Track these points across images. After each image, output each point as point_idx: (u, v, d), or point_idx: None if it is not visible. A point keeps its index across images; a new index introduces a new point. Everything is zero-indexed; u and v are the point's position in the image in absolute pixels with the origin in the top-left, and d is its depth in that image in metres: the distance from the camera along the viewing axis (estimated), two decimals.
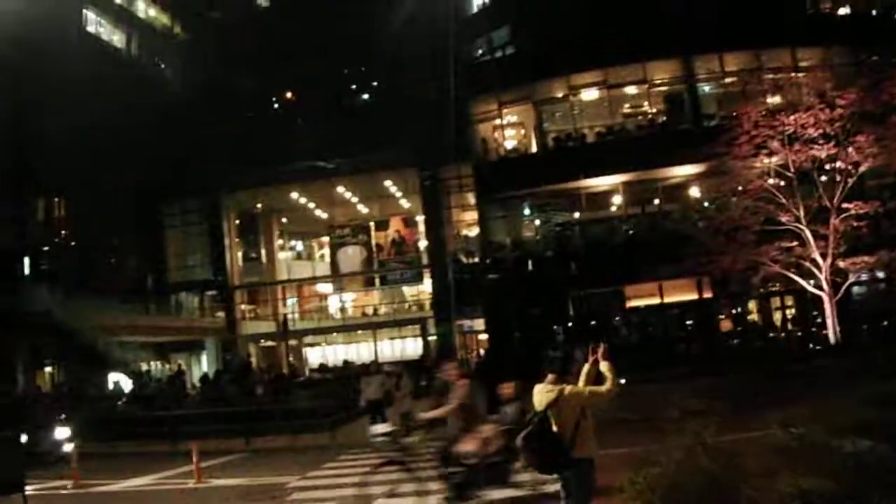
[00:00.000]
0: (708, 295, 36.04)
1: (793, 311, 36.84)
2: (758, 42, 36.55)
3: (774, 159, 26.52)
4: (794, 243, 26.24)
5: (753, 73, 36.66)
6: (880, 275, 29.14)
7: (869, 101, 24.71)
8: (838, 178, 25.97)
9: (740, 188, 28.17)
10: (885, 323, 32.55)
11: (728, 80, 38.06)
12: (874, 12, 40.03)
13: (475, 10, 43.73)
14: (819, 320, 35.02)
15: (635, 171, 37.99)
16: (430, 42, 45.15)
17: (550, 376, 8.31)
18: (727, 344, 35.86)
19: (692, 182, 38.08)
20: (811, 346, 31.63)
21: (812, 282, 27.68)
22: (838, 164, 25.88)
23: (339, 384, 33.38)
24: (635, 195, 38.94)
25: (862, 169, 25.57)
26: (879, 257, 26.14)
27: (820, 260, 25.93)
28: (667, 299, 36.90)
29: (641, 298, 37.48)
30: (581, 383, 8.39)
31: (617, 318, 38.35)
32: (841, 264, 26.27)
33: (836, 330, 26.09)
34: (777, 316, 37.56)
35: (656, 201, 39.04)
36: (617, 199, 39.33)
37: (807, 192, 26.53)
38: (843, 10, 40.05)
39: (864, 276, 28.04)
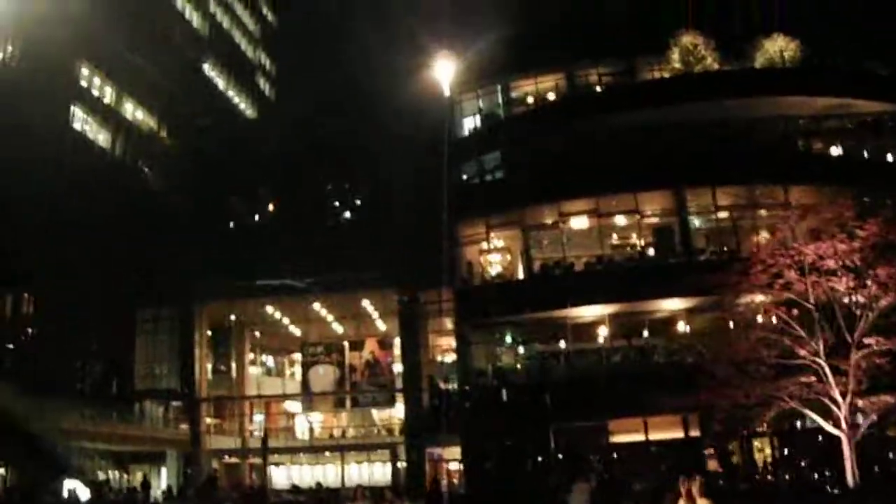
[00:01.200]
0: (695, 433, 34.97)
1: (774, 451, 35.94)
2: (750, 178, 36.54)
3: (786, 292, 25.84)
4: (813, 379, 25.31)
5: (746, 208, 36.65)
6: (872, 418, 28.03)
7: (892, 234, 24.26)
8: (858, 311, 25.27)
9: (753, 319, 27.39)
10: (877, 468, 31.56)
11: (720, 214, 37.82)
12: (865, 154, 40.38)
13: (466, 132, 43.68)
14: (803, 462, 34.21)
15: (623, 303, 37.34)
16: (418, 163, 44.93)
17: None
18: (715, 485, 34.53)
19: (681, 316, 37.41)
20: (829, 488, 30.34)
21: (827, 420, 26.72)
22: (858, 297, 25.20)
23: None
24: (622, 327, 38.13)
25: (883, 303, 24.93)
26: None
27: (839, 398, 24.98)
28: (652, 436, 35.71)
29: (625, 434, 36.28)
30: None
31: (593, 456, 37.01)
32: (860, 403, 25.28)
33: (854, 471, 24.91)
34: (759, 456, 36.47)
35: (644, 334, 38.22)
36: (603, 331, 38.47)
37: (825, 325, 25.82)
38: (836, 150, 40.30)
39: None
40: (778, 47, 39.03)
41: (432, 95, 35.35)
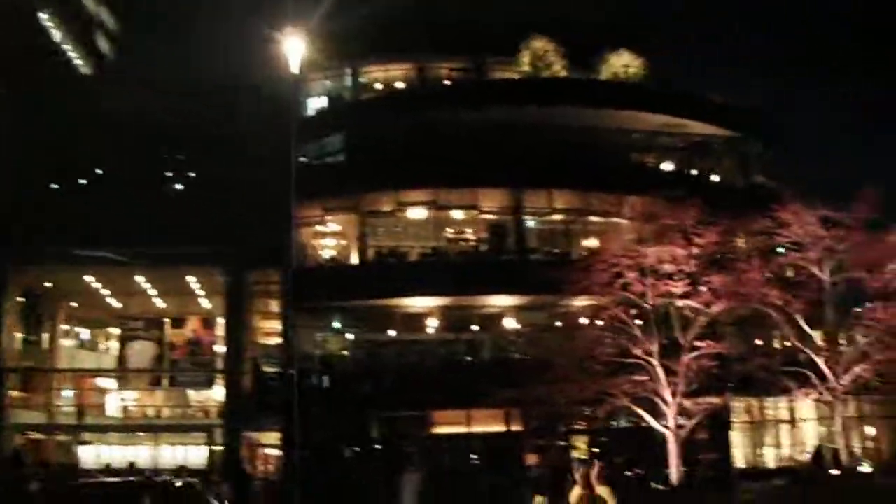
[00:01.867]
0: (517, 427, 35.55)
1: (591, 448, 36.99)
2: (586, 185, 37.57)
3: (625, 292, 26.60)
4: (645, 378, 26.16)
5: (580, 213, 37.64)
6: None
7: (723, 247, 25.47)
8: (691, 315, 26.34)
9: (589, 318, 28.11)
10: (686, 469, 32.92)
11: (555, 216, 38.75)
12: (693, 172, 42.19)
13: (311, 113, 43.00)
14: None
15: (454, 296, 37.66)
16: (259, 140, 43.79)
17: (539, 499, 6.81)
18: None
19: (511, 312, 38.06)
20: (652, 484, 31.37)
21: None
22: (692, 302, 26.20)
23: (128, 488, 30.04)
24: (452, 320, 38.57)
25: (714, 309, 26.08)
26: (725, 399, 26.51)
27: (669, 397, 25.94)
28: (474, 429, 36.11)
29: (448, 426, 36.56)
30: None
31: (411, 448, 37.11)
32: (686, 404, 26.30)
33: (679, 470, 25.97)
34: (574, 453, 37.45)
35: (474, 328, 38.65)
36: (433, 322, 38.70)
37: (661, 327, 26.76)
38: (667, 166, 41.94)
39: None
40: (623, 62, 40.31)
41: (279, 72, 34.45)
